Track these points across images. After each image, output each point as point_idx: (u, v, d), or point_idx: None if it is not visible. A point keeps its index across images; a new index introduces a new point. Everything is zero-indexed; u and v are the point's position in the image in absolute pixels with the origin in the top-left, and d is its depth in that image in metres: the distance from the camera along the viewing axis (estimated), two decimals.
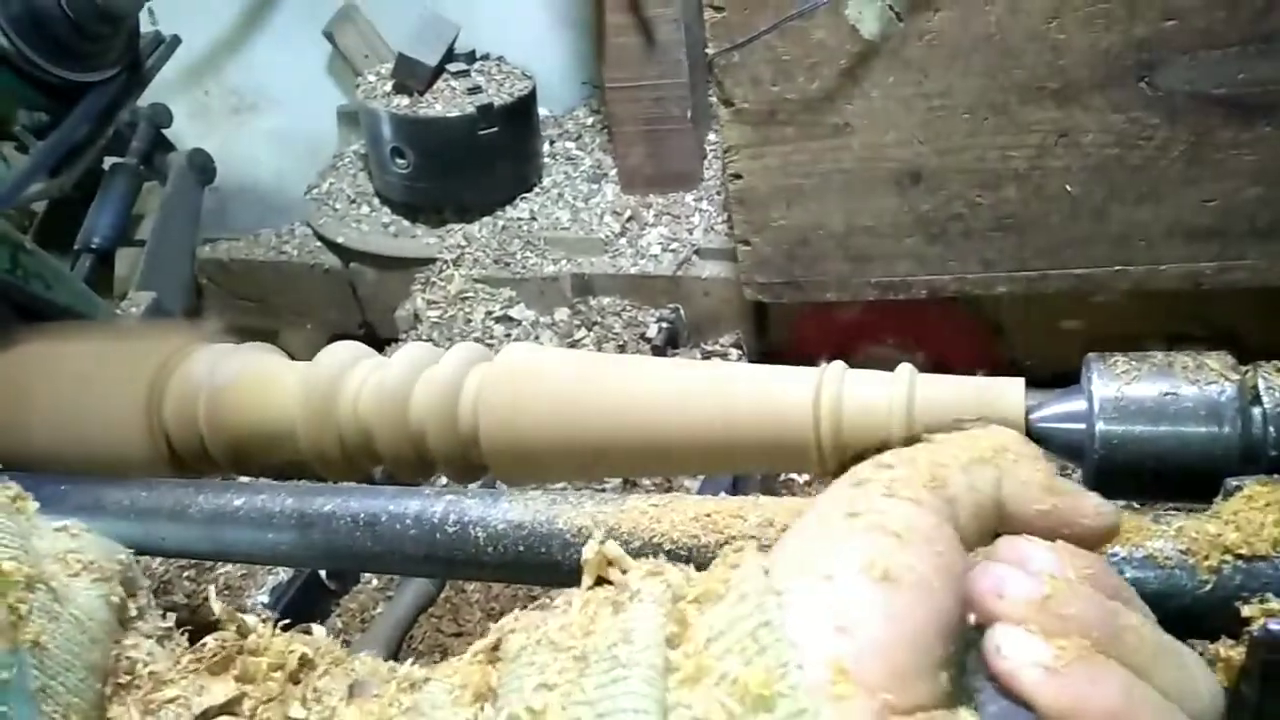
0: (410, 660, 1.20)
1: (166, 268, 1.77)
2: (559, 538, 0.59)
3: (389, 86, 1.66)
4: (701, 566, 0.54)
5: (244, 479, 0.77)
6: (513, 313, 1.61)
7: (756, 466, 0.68)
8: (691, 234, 1.55)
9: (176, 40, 1.99)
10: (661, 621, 0.32)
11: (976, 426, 0.60)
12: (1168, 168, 1.12)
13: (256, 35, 2.29)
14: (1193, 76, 1.06)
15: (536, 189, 1.72)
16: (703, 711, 0.29)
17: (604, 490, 0.63)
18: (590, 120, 1.86)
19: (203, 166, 1.98)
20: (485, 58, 1.74)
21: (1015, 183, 1.17)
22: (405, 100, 1.63)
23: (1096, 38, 1.06)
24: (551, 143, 1.82)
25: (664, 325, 1.54)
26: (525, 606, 1.24)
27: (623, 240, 1.58)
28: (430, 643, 1.21)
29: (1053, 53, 1.08)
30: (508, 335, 1.60)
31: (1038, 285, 1.24)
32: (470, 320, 1.61)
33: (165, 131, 1.99)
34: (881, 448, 0.61)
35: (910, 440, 0.60)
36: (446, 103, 1.61)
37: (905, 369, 0.63)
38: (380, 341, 1.79)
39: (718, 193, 1.60)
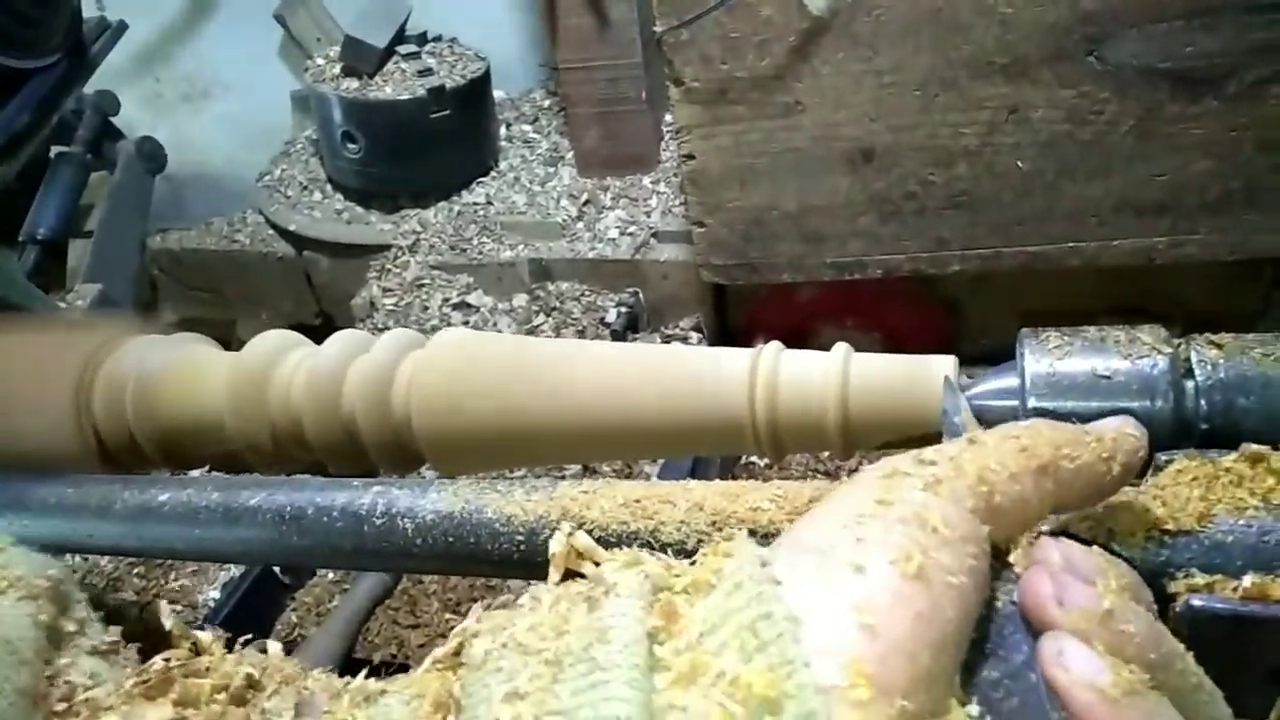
0: (366, 663, 1.18)
1: (115, 259, 1.73)
2: (487, 527, 0.57)
3: (338, 69, 1.63)
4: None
5: (168, 474, 0.75)
6: (470, 299, 1.59)
7: (694, 448, 0.67)
8: (649, 217, 1.54)
9: (123, 26, 1.95)
10: (641, 616, 0.29)
11: (903, 400, 0.59)
12: (1118, 143, 1.12)
13: (206, 20, 2.24)
14: (1140, 50, 1.05)
15: (493, 173, 1.70)
16: (700, 714, 0.26)
17: (535, 478, 0.61)
18: (547, 103, 1.83)
19: (152, 154, 1.94)
20: (438, 39, 1.71)
21: (967, 160, 1.16)
22: (355, 83, 1.60)
23: (1043, 11, 1.05)
24: (508, 125, 1.79)
25: (623, 310, 1.53)
26: (483, 598, 1.22)
27: (580, 224, 1.56)
28: (387, 635, 1.19)
29: (1001, 27, 1.07)
30: (465, 322, 1.58)
31: (991, 263, 1.24)
32: (427, 308, 1.59)
33: (113, 119, 1.94)
34: (815, 426, 0.60)
35: (845, 418, 0.59)
36: (397, 85, 1.58)
37: (840, 347, 0.62)
38: (337, 330, 1.75)
39: (675, 175, 1.58)
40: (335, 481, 0.65)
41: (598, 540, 0.54)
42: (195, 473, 0.82)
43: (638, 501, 0.55)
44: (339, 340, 0.73)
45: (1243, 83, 1.06)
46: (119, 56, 1.99)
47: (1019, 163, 1.15)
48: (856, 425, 0.58)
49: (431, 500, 0.60)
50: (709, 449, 0.65)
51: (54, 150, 1.87)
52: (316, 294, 1.78)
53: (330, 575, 1.29)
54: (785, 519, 0.51)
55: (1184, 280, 1.27)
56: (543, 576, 0.67)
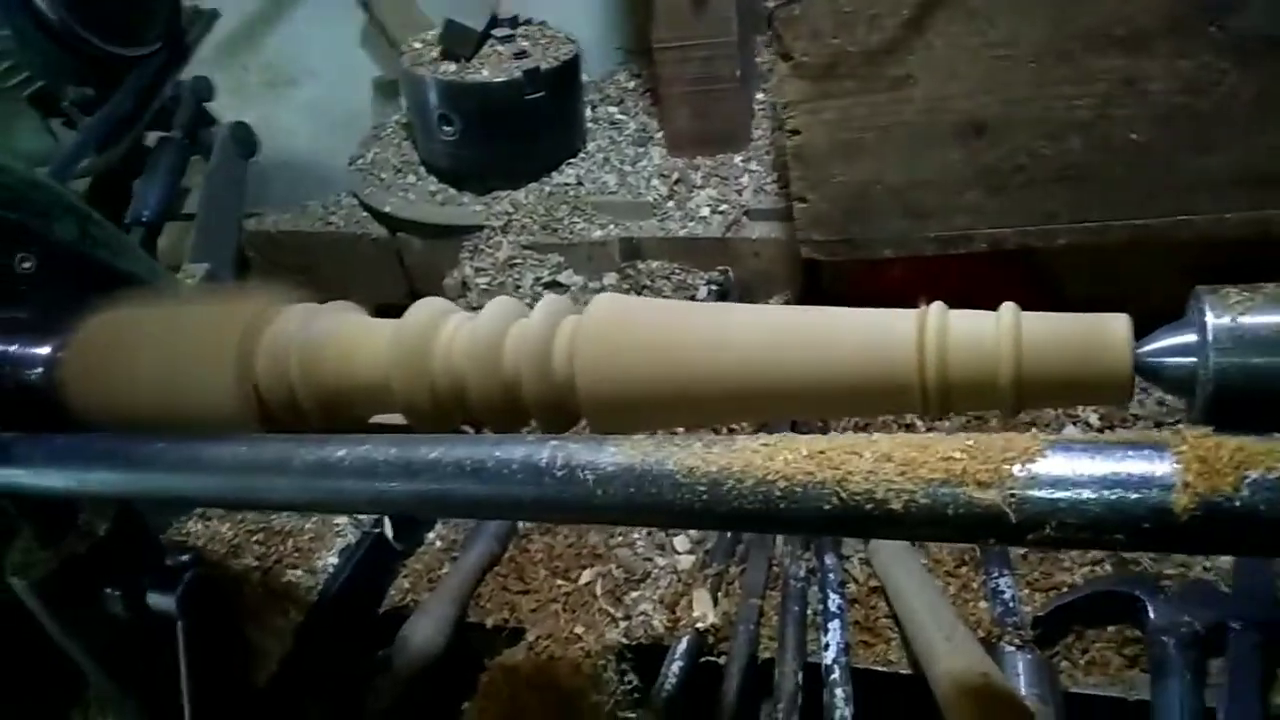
0: (480, 626, 1.21)
1: (216, 240, 1.78)
2: (669, 478, 0.59)
3: (435, 53, 1.66)
4: (816, 503, 0.55)
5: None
6: (561, 278, 1.62)
7: (858, 408, 0.68)
8: (740, 195, 1.55)
9: (215, 14, 2.00)
10: None
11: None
12: (1237, 113, 1.11)
13: (290, 8, 2.29)
14: (1265, 19, 1.04)
15: (581, 154, 1.72)
16: None
17: (708, 433, 0.63)
18: (631, 84, 1.85)
19: (245, 139, 1.99)
20: (528, 22, 1.73)
21: (1080, 132, 1.16)
22: (452, 66, 1.63)
23: None
24: (593, 108, 1.81)
25: (714, 287, 1.54)
26: (590, 565, 1.25)
27: (670, 203, 1.58)
28: (498, 600, 1.22)
29: None
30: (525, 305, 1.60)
31: (1100, 237, 1.23)
32: (519, 287, 1.62)
33: (207, 105, 2.00)
34: (988, 385, 0.61)
35: (1018, 377, 0.60)
36: (494, 68, 1.60)
37: (1008, 307, 0.63)
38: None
39: (766, 153, 1.59)
40: (510, 436, 0.68)
41: (783, 492, 0.56)
42: None
43: (822, 453, 0.56)
44: (496, 306, 0.76)
45: None
46: (205, 45, 2.04)
47: (1133, 135, 1.14)
48: (1030, 385, 0.60)
49: (610, 454, 0.62)
50: (872, 409, 0.67)
51: (151, 135, 1.93)
52: (409, 274, 1.82)
53: (439, 544, 1.33)
54: (980, 469, 0.52)
55: None
56: (724, 526, 0.71)
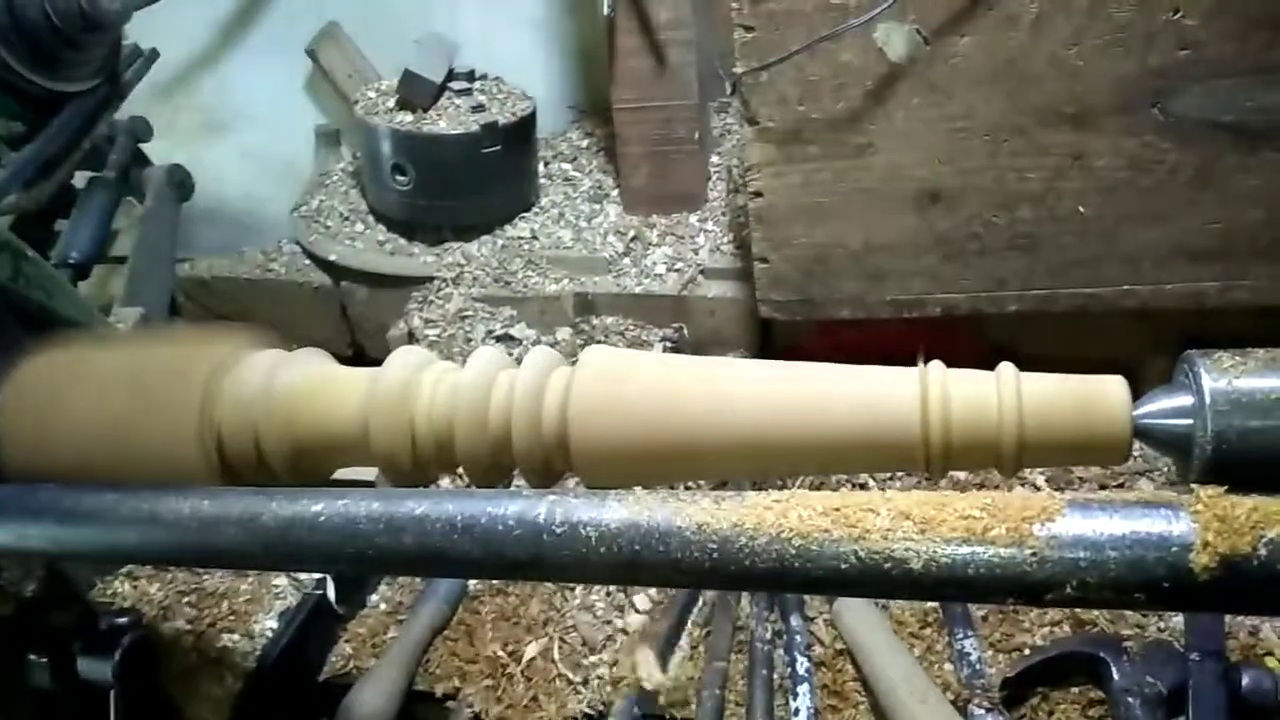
0: (429, 695, 1.16)
1: (149, 284, 1.71)
2: (677, 535, 0.58)
3: (390, 103, 1.65)
4: (832, 562, 0.54)
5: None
6: (514, 332, 1.59)
7: (858, 466, 0.68)
8: (697, 254, 1.56)
9: (155, 54, 1.94)
10: None
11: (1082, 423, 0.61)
12: (1176, 191, 1.17)
13: (233, 52, 2.25)
14: (1203, 104, 1.11)
15: (535, 209, 1.72)
16: None
17: (717, 489, 0.61)
18: (585, 142, 1.86)
19: (181, 183, 1.92)
20: (484, 77, 1.73)
21: (1030, 203, 1.21)
22: (409, 117, 1.61)
23: (1114, 65, 1.10)
24: (546, 164, 1.82)
25: (668, 344, 1.54)
26: (546, 624, 1.21)
27: (626, 260, 1.58)
28: (447, 668, 1.17)
29: (1072, 78, 1.12)
30: (509, 354, 1.58)
31: (1047, 304, 1.28)
32: (470, 339, 1.59)
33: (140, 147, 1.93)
34: (990, 446, 0.62)
35: (1020, 439, 0.61)
36: (451, 120, 1.59)
37: (1007, 367, 0.64)
38: (370, 362, 1.75)
39: (723, 214, 1.61)
40: (503, 491, 0.65)
41: (798, 550, 0.55)
42: None
43: (838, 510, 0.56)
44: (482, 357, 0.74)
45: None
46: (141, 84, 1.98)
47: (1080, 208, 1.19)
48: (1032, 446, 0.60)
49: (613, 509, 0.60)
50: (873, 467, 0.67)
51: (80, 176, 1.85)
52: (351, 325, 1.77)
53: (383, 606, 1.27)
54: (1001, 528, 0.52)
55: (1228, 327, 1.32)
56: (736, 586, 0.69)
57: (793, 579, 0.55)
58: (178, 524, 0.69)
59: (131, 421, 0.76)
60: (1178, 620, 1.07)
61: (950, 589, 0.52)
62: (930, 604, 1.13)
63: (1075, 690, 1.00)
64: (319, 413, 0.74)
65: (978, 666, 1.02)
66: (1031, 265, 1.25)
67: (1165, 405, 0.59)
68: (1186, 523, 0.50)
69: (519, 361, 0.72)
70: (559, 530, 0.60)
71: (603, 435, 0.67)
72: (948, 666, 1.06)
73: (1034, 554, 0.51)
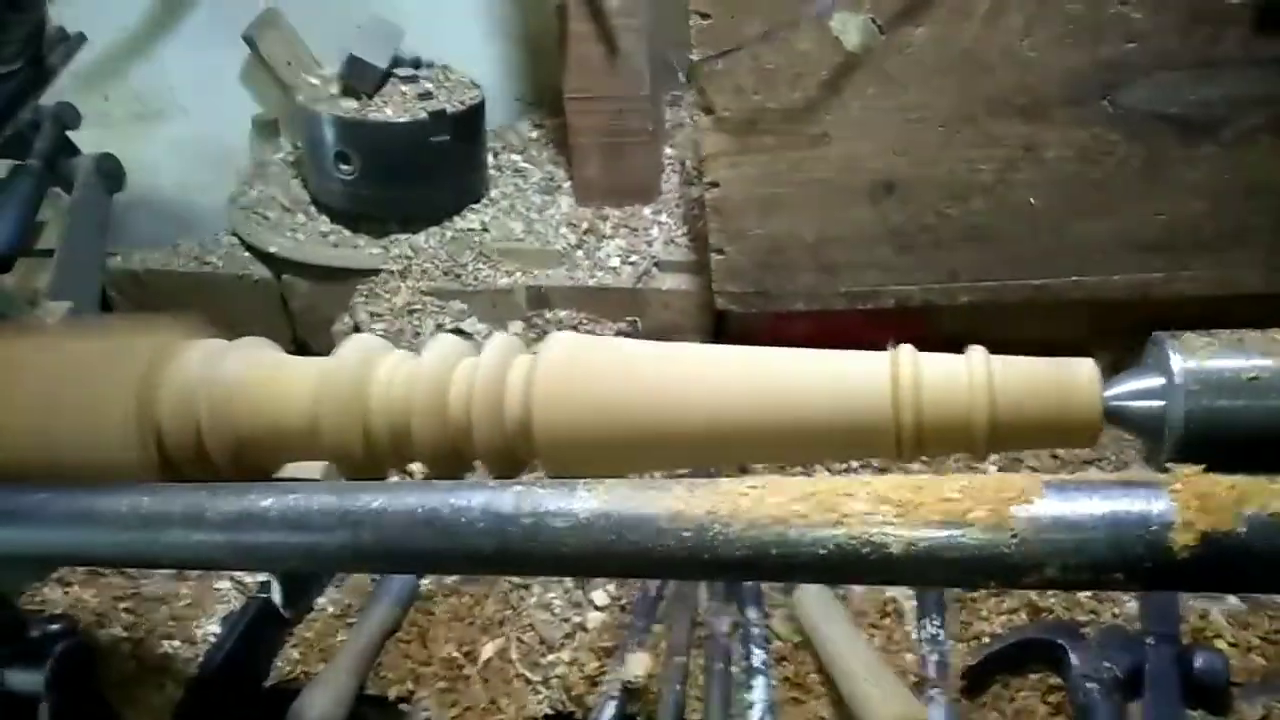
0: (380, 700, 1.12)
1: (77, 277, 1.63)
2: (650, 524, 0.56)
3: (334, 89, 1.60)
4: (810, 548, 0.53)
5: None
6: (464, 325, 1.56)
7: (829, 452, 0.67)
8: (651, 246, 1.55)
9: (82, 38, 1.86)
10: None
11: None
12: (1123, 183, 1.19)
13: (167, 38, 2.16)
14: (1150, 96, 1.13)
15: (485, 200, 1.68)
16: None
17: (689, 476, 0.60)
18: (534, 134, 1.83)
19: (111, 172, 1.84)
20: (430, 65, 1.69)
21: (983, 195, 1.22)
22: (353, 104, 1.57)
23: (1064, 56, 1.12)
24: (495, 155, 1.78)
25: (622, 337, 1.52)
26: (502, 624, 1.18)
27: (580, 252, 1.56)
28: (400, 671, 1.14)
29: (1024, 70, 1.13)
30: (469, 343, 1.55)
31: (999, 295, 1.29)
32: (419, 333, 1.55)
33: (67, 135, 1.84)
34: (961, 429, 0.61)
35: (992, 421, 0.60)
36: (397, 107, 1.55)
37: (977, 350, 0.63)
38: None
39: (676, 205, 1.60)
40: (466, 482, 0.63)
41: (775, 537, 0.54)
42: None
43: (814, 495, 0.54)
44: (440, 344, 0.71)
45: (1237, 130, 1.14)
46: (65, 72, 1.89)
47: (1031, 199, 1.21)
48: (1004, 428, 0.60)
49: (582, 499, 0.58)
50: (843, 453, 0.66)
51: (1, 163, 1.76)
52: (293, 319, 1.72)
53: (331, 609, 1.23)
54: (980, 511, 0.51)
55: (1170, 318, 1.35)
56: (711, 576, 0.66)
57: (770, 566, 0.54)
58: (117, 522, 0.66)
59: (62, 414, 0.71)
60: (1131, 605, 1.08)
61: (930, 573, 0.52)
62: (889, 594, 1.13)
63: (1034, 677, 1.01)
64: (266, 403, 0.70)
65: (945, 653, 1.02)
66: (983, 257, 1.26)
67: (1135, 386, 0.59)
68: (1166, 501, 0.49)
69: (478, 350, 0.69)
70: (526, 522, 0.58)
71: (567, 422, 0.65)
72: (909, 656, 1.06)
73: (1014, 536, 0.50)
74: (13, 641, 0.83)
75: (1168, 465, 0.52)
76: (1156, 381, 0.58)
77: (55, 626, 0.84)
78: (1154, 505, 0.49)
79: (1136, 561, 0.49)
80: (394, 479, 0.71)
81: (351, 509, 0.61)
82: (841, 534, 0.52)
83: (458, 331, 1.55)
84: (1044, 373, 0.61)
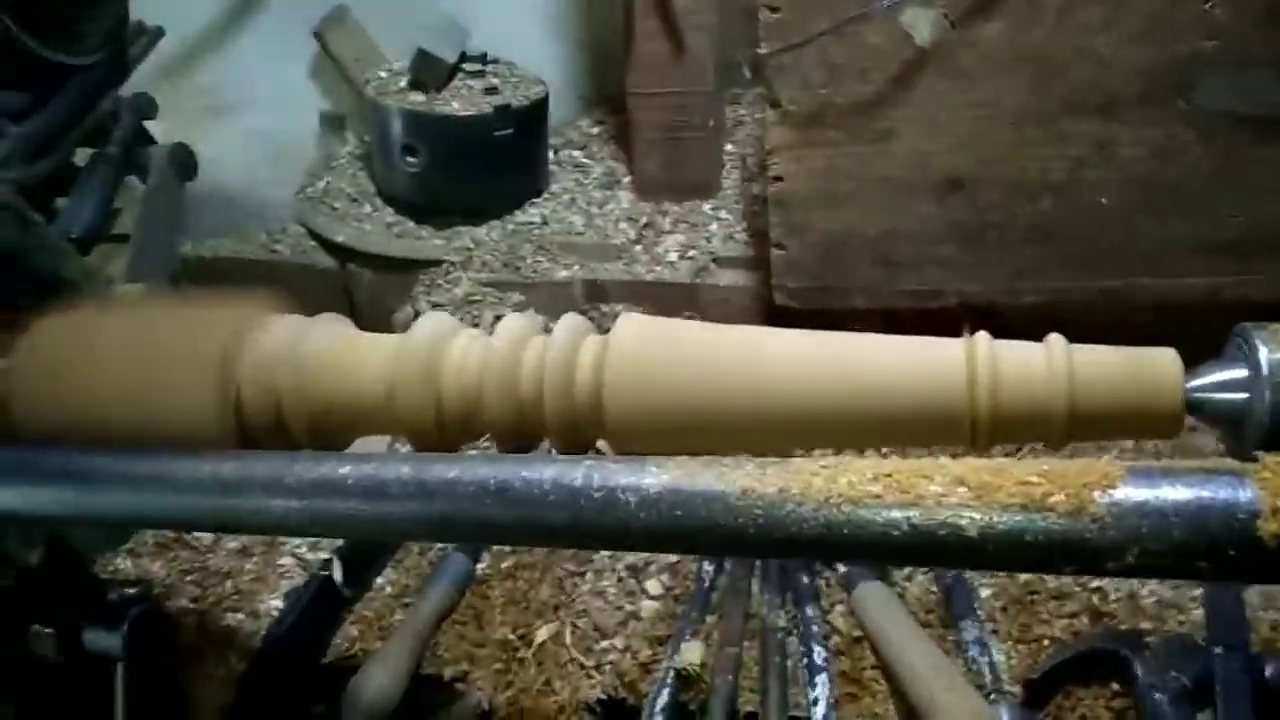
0: (437, 679, 1.13)
1: (152, 262, 1.68)
2: (721, 500, 0.56)
3: (402, 83, 1.63)
4: (883, 529, 0.53)
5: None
6: None
7: (901, 438, 0.67)
8: (710, 242, 1.55)
9: (160, 31, 1.91)
10: None
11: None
12: (1197, 183, 1.16)
13: (236, 34, 2.22)
14: (1227, 95, 1.10)
15: (545, 194, 1.70)
16: None
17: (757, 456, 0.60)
18: (595, 130, 1.85)
19: (185, 162, 1.89)
20: (496, 61, 1.72)
21: (1052, 193, 1.20)
22: (420, 97, 1.60)
23: (1140, 54, 1.10)
24: (556, 150, 1.80)
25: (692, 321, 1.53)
26: (557, 609, 1.18)
27: (638, 247, 1.57)
28: (456, 651, 1.15)
29: (1098, 67, 1.11)
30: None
31: (1064, 295, 1.27)
32: (478, 324, 1.57)
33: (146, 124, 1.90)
34: (1040, 418, 0.60)
35: (1070, 410, 0.60)
36: (464, 101, 1.58)
37: (1056, 339, 0.63)
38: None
39: (736, 202, 1.60)
40: (537, 456, 0.64)
41: (847, 516, 0.54)
42: None
43: (889, 475, 0.54)
44: (510, 324, 0.72)
45: None
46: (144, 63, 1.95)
47: (1102, 199, 1.19)
48: (1083, 418, 0.59)
49: (653, 475, 0.59)
50: (916, 439, 0.65)
51: (80, 154, 1.82)
52: (355, 307, 1.75)
53: (389, 589, 1.25)
54: (1060, 495, 0.51)
55: (1238, 322, 1.31)
56: (781, 554, 0.66)
57: (841, 546, 0.54)
58: (198, 487, 0.67)
59: (146, 382, 0.74)
60: (1197, 613, 1.06)
61: (1008, 556, 0.51)
62: (934, 594, 1.12)
63: (1099, 687, 0.99)
64: (344, 376, 0.72)
65: (988, 657, 1.01)
66: (1050, 256, 1.25)
67: (1219, 378, 0.58)
68: (1252, 490, 0.48)
69: (547, 331, 0.70)
70: (597, 495, 0.59)
71: (639, 403, 0.66)
72: (957, 661, 1.04)
73: (1095, 521, 0.50)
74: (91, 605, 0.86)
75: (1258, 454, 0.51)
76: (1241, 373, 0.57)
77: (131, 591, 0.86)
78: (1240, 493, 0.48)
79: (1221, 550, 0.48)
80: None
81: (427, 479, 0.63)
82: (916, 515, 0.52)
83: None
84: (1125, 362, 0.60)
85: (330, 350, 0.73)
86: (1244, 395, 0.57)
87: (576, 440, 0.69)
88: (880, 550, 0.53)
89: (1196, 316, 1.32)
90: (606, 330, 0.69)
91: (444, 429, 0.70)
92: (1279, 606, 1.06)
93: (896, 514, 0.53)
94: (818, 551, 0.54)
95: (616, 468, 0.59)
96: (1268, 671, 0.93)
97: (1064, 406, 0.58)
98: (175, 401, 0.71)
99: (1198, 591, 1.09)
